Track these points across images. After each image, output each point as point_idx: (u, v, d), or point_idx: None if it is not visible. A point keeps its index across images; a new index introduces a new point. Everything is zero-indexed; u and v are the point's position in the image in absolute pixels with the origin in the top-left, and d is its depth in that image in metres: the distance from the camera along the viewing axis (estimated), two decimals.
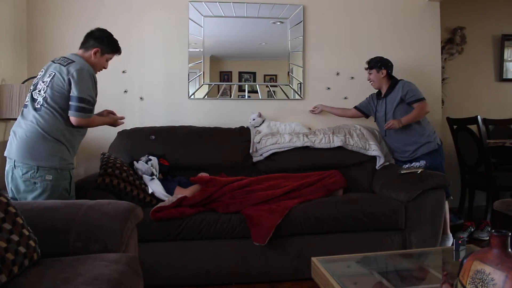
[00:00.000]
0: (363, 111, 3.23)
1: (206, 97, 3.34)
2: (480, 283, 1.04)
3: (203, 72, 3.32)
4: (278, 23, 3.41)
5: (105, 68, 2.31)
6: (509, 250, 1.07)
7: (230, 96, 3.38)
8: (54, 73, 2.05)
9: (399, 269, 1.93)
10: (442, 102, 3.88)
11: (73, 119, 2.04)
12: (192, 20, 3.29)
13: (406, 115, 2.86)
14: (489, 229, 3.25)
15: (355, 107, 3.27)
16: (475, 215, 3.67)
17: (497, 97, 4.41)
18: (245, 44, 3.39)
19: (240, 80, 3.39)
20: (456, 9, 4.18)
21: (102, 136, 3.09)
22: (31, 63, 3.11)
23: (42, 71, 2.13)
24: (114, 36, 2.29)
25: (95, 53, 2.19)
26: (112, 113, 2.45)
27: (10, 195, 2.03)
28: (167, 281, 2.29)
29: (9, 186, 2.03)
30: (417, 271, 1.92)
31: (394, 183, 2.70)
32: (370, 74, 3.03)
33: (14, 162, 1.98)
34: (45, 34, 3.14)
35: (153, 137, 2.92)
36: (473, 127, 3.48)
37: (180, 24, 3.29)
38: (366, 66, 3.05)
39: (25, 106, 2.08)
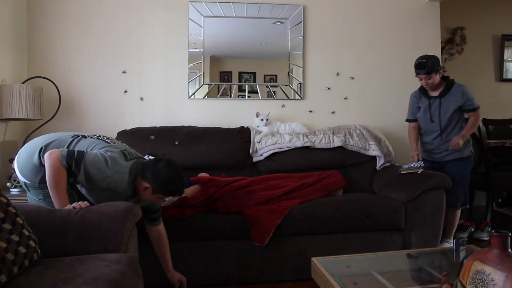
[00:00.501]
0: (414, 119, 3.02)
1: (206, 97, 3.34)
2: (480, 283, 1.04)
3: (203, 72, 3.32)
4: (278, 23, 3.41)
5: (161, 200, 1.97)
6: (509, 250, 1.07)
7: (230, 96, 3.37)
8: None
9: (399, 269, 1.93)
10: None
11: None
12: (192, 20, 3.29)
13: (464, 128, 2.80)
14: (489, 229, 3.25)
15: (408, 120, 3.04)
16: (475, 215, 3.67)
17: (497, 97, 4.41)
18: (245, 44, 3.39)
19: (240, 80, 3.39)
20: (456, 9, 4.18)
21: None
22: (31, 63, 3.11)
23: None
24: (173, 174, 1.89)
25: (144, 189, 1.84)
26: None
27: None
28: (167, 281, 2.29)
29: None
30: (417, 271, 1.92)
31: (394, 183, 2.70)
32: (429, 78, 2.75)
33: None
34: (45, 34, 3.14)
35: (152, 137, 2.91)
36: None
37: (180, 24, 3.29)
38: (421, 71, 2.74)
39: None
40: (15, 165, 1.96)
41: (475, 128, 2.86)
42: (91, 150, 1.86)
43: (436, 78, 2.78)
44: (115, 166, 1.77)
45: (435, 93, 2.87)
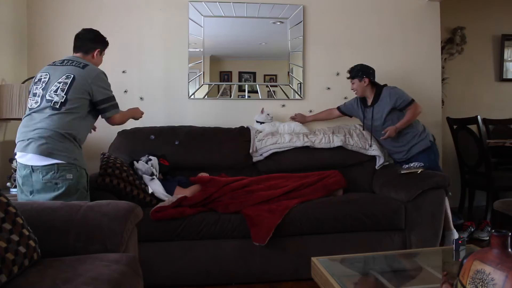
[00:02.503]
0: (346, 113, 3.23)
1: (206, 97, 3.34)
2: (480, 283, 1.04)
3: (203, 72, 3.32)
4: (278, 23, 3.41)
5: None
6: (509, 250, 1.07)
7: (230, 96, 3.37)
8: (73, 75, 2.05)
9: (399, 269, 1.94)
10: (442, 102, 3.88)
11: (113, 118, 2.20)
12: (192, 20, 3.29)
13: (400, 121, 2.86)
14: (489, 229, 3.25)
15: (338, 109, 3.26)
16: (475, 215, 3.67)
17: (497, 97, 4.41)
18: (245, 44, 3.39)
19: (240, 80, 3.39)
20: (456, 9, 4.18)
21: (102, 136, 3.09)
22: (31, 63, 3.11)
23: (46, 75, 2.09)
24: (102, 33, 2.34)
25: (97, 54, 2.26)
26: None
27: (22, 197, 2.01)
28: (167, 281, 2.29)
29: (24, 189, 1.98)
30: (417, 271, 1.92)
31: (394, 183, 2.70)
32: (352, 83, 3.00)
33: (32, 167, 1.94)
34: (45, 34, 3.14)
35: (153, 136, 2.92)
36: (473, 127, 3.48)
37: (180, 24, 3.29)
38: (348, 75, 3.01)
39: (34, 109, 2.03)
40: (34, 163, 1.94)
41: (413, 119, 2.89)
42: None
43: (360, 84, 2.96)
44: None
45: (369, 102, 3.03)
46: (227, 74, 3.38)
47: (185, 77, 3.31)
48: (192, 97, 3.32)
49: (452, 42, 4.25)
